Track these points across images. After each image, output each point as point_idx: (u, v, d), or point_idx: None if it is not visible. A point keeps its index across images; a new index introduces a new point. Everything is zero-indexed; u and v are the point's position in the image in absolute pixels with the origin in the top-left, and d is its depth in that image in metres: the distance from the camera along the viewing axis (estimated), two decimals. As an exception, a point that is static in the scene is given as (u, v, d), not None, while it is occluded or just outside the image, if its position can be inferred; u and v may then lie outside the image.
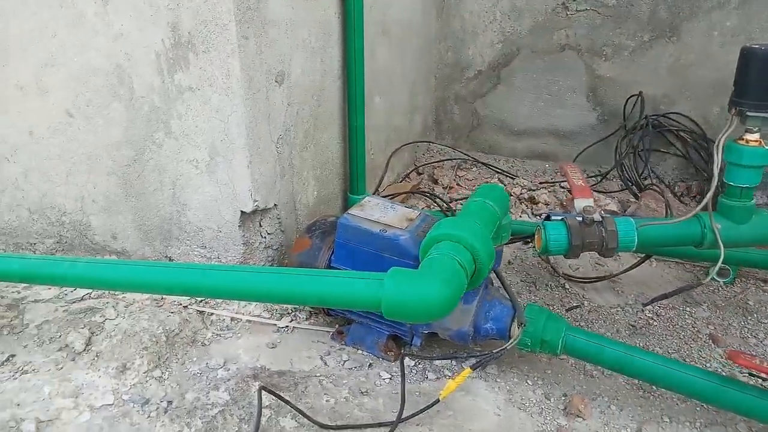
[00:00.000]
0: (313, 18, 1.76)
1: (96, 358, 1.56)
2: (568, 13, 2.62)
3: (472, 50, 2.85)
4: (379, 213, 1.58)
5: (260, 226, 1.73)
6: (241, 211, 1.68)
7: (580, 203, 1.51)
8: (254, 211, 1.68)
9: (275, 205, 1.74)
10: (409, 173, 2.75)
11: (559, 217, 1.59)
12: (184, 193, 1.72)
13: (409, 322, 1.36)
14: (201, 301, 1.79)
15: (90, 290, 1.83)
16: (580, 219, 1.50)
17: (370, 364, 1.60)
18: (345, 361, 1.61)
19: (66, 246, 2.00)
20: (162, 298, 1.79)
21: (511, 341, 1.42)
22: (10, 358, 1.58)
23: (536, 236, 1.56)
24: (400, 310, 1.07)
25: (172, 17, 1.49)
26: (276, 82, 1.64)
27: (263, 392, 1.41)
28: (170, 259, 1.86)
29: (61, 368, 1.54)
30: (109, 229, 1.90)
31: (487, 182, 2.70)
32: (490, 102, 2.92)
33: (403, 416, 1.36)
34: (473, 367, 1.39)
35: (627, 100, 2.63)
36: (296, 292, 1.13)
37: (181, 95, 1.58)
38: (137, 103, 1.65)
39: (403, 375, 1.44)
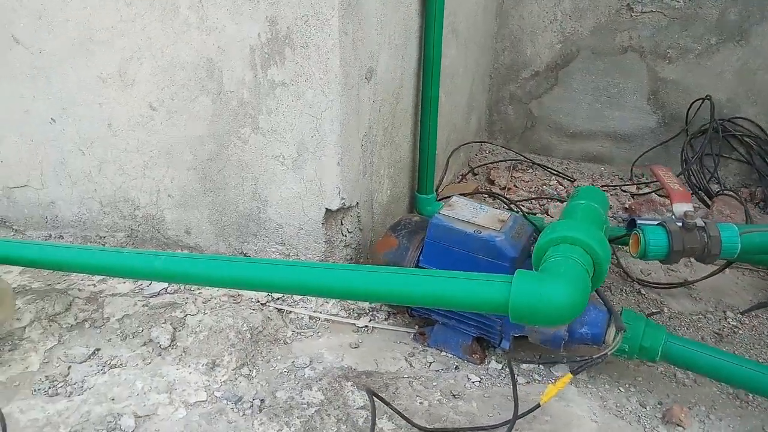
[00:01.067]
0: (397, 14, 1.74)
1: (183, 354, 1.54)
2: (633, 14, 2.58)
3: (529, 50, 2.82)
4: (470, 213, 1.56)
5: (341, 224, 1.72)
6: (326, 209, 1.66)
7: (679, 208, 1.48)
8: (338, 209, 1.67)
9: (357, 203, 1.72)
10: (466, 174, 2.72)
11: (652, 222, 1.56)
12: (267, 189, 1.71)
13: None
14: (278, 298, 1.77)
15: (166, 284, 1.82)
16: (680, 224, 1.47)
17: (457, 367, 1.57)
18: (430, 363, 1.59)
19: (137, 240, 1.99)
20: (239, 295, 1.77)
21: (611, 347, 1.39)
22: (96, 352, 1.57)
23: (632, 240, 1.53)
24: (528, 314, 1.05)
25: (271, 11, 1.47)
26: (366, 78, 1.62)
27: (355, 392, 1.40)
28: (245, 255, 1.85)
29: (149, 363, 1.53)
30: (183, 224, 1.89)
31: (544, 184, 2.68)
32: (545, 103, 2.89)
33: (506, 420, 1.34)
34: (574, 373, 1.37)
35: (691, 104, 2.59)
36: (418, 292, 1.11)
37: (273, 90, 1.57)
38: (225, 98, 1.63)
39: (513, 381, 1.41)
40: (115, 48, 1.70)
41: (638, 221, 1.63)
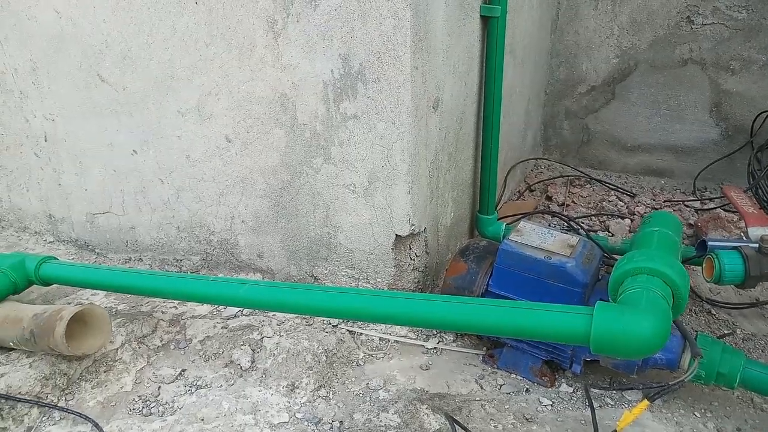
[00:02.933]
0: (461, 43, 1.79)
1: (264, 376, 1.62)
2: (693, 27, 2.55)
3: (585, 65, 2.82)
4: (539, 239, 1.58)
5: (410, 248, 1.77)
6: (396, 235, 1.71)
7: (755, 232, 1.47)
8: (408, 235, 1.72)
9: (424, 228, 1.77)
10: (523, 191, 2.74)
11: (725, 243, 1.55)
12: (338, 216, 1.77)
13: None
14: (349, 321, 1.83)
15: (243, 308, 1.91)
16: (756, 248, 1.46)
17: (527, 389, 1.60)
18: (501, 386, 1.61)
19: (211, 263, 2.09)
20: (311, 317, 1.84)
21: (688, 374, 1.38)
22: (182, 373, 1.67)
23: (706, 264, 1.52)
24: (611, 346, 1.07)
25: (344, 49, 1.54)
26: (433, 108, 1.67)
27: (430, 415, 1.44)
28: (316, 279, 1.92)
29: (233, 384, 1.61)
30: (256, 249, 1.98)
31: (603, 200, 2.66)
32: (602, 117, 2.87)
33: (583, 447, 1.35)
34: (651, 399, 1.37)
35: (757, 116, 2.53)
36: (500, 323, 1.15)
37: (345, 123, 1.63)
38: (298, 130, 1.71)
39: (592, 407, 1.42)
40: (194, 85, 1.81)
41: (710, 243, 1.62)
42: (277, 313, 1.87)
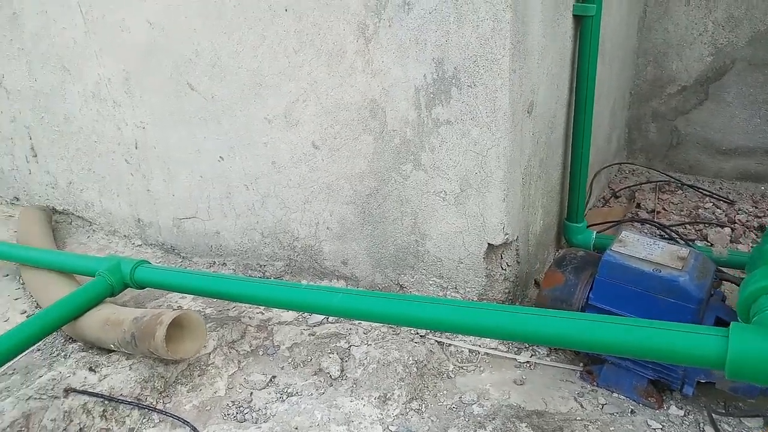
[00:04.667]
0: (555, 44, 1.71)
1: (355, 386, 1.60)
2: (799, 20, 2.37)
3: (675, 64, 2.67)
4: (645, 250, 1.49)
5: (501, 258, 1.71)
6: (489, 244, 1.66)
7: None
8: (500, 244, 1.66)
9: (517, 236, 1.71)
10: (609, 198, 2.62)
11: None
12: (426, 223, 1.74)
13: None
14: (434, 331, 1.79)
15: (322, 315, 1.90)
16: None
17: (632, 410, 1.50)
18: (603, 405, 1.53)
19: (294, 269, 2.10)
20: (398, 327, 1.81)
21: (821, 400, 1.27)
22: (273, 380, 1.67)
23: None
24: (752, 372, 0.98)
25: (438, 54, 1.50)
26: (527, 112, 1.60)
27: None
28: (402, 287, 1.89)
29: (323, 393, 1.60)
30: (340, 255, 1.96)
31: (698, 207, 2.50)
32: (694, 119, 2.71)
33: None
34: (778, 427, 1.26)
35: None
36: (618, 342, 1.08)
37: (437, 129, 1.59)
38: (388, 136, 1.69)
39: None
40: (282, 92, 1.82)
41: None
42: (363, 322, 1.85)
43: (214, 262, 2.31)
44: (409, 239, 1.79)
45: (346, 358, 1.70)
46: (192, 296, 2.07)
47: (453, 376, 1.66)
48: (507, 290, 1.75)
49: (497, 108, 1.48)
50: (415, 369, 1.63)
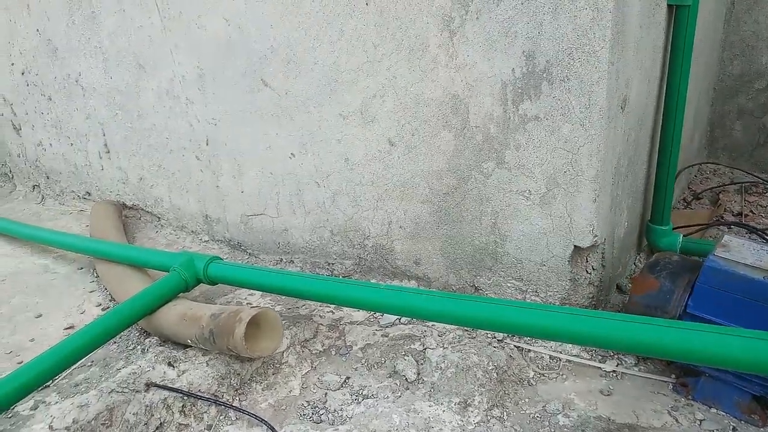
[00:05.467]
0: (650, 35, 1.62)
1: (433, 390, 1.55)
2: None
3: (765, 58, 2.50)
4: (753, 256, 1.38)
5: (587, 261, 1.62)
6: (575, 246, 1.58)
7: None
8: (588, 247, 1.57)
9: (604, 239, 1.62)
10: (690, 200, 2.48)
11: None
12: (507, 224, 1.67)
13: None
14: (514, 335, 1.72)
15: (399, 316, 1.86)
16: None
17: (734, 428, 1.40)
18: (701, 421, 1.43)
19: (364, 268, 2.06)
20: (473, 329, 1.75)
21: None
22: (347, 381, 1.64)
23: None
24: None
25: (529, 46, 1.43)
26: (621, 108, 1.52)
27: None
28: (477, 289, 1.83)
29: (400, 397, 1.55)
30: (413, 255, 1.92)
31: (789, 210, 2.34)
32: (784, 117, 2.54)
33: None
34: None
35: None
36: (723, 352, 0.99)
37: (524, 125, 1.52)
38: (469, 133, 1.63)
39: None
40: (359, 87, 1.78)
41: None
42: (436, 324, 1.80)
43: (281, 260, 2.30)
44: (487, 240, 1.73)
45: (422, 361, 1.65)
46: (260, 293, 2.06)
47: (534, 383, 1.58)
48: (591, 295, 1.66)
49: (592, 103, 1.40)
50: (495, 375, 1.56)
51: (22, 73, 3.00)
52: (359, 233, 2.01)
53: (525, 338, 1.71)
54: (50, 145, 3.12)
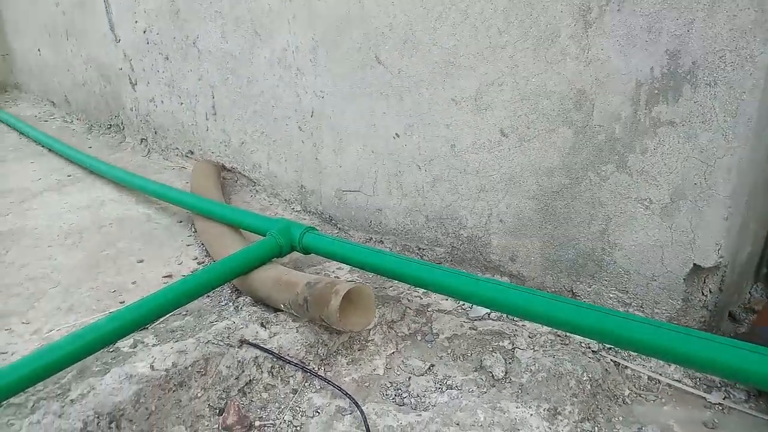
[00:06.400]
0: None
1: (520, 392, 1.50)
2: None
3: None
4: None
5: (704, 282, 1.51)
6: (695, 264, 1.47)
7: None
8: (710, 267, 1.46)
9: (728, 261, 1.50)
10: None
11: None
12: (619, 231, 1.58)
13: None
14: (611, 348, 1.64)
15: (489, 309, 1.82)
16: None
17: None
18: (817, 472, 1.30)
19: (456, 258, 2.03)
20: (566, 336, 1.68)
21: None
22: (431, 368, 1.62)
23: None
24: None
25: (674, 45, 1.34)
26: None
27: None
28: (574, 295, 1.75)
29: (485, 393, 1.52)
30: (509, 251, 1.86)
31: None
32: None
33: None
34: None
35: None
36: None
37: (655, 129, 1.43)
38: (590, 132, 1.55)
39: None
40: (476, 73, 1.73)
41: None
42: (527, 324, 1.75)
43: (371, 239, 2.31)
44: (593, 245, 1.65)
45: (510, 360, 1.60)
46: (348, 268, 2.08)
47: (629, 402, 1.50)
48: (703, 319, 1.55)
49: (740, 112, 1.29)
50: (589, 386, 1.49)
51: (144, 32, 3.16)
52: (455, 222, 1.97)
53: (622, 353, 1.63)
54: (161, 102, 3.27)
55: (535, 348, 1.63)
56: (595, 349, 1.63)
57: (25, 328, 1.82)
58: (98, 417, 1.31)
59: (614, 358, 1.61)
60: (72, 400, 1.38)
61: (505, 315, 1.79)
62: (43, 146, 3.73)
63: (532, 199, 1.74)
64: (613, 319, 1.23)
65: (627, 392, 1.53)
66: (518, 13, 1.58)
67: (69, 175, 3.23)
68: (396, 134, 2.04)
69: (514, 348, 1.65)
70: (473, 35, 1.70)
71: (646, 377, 1.56)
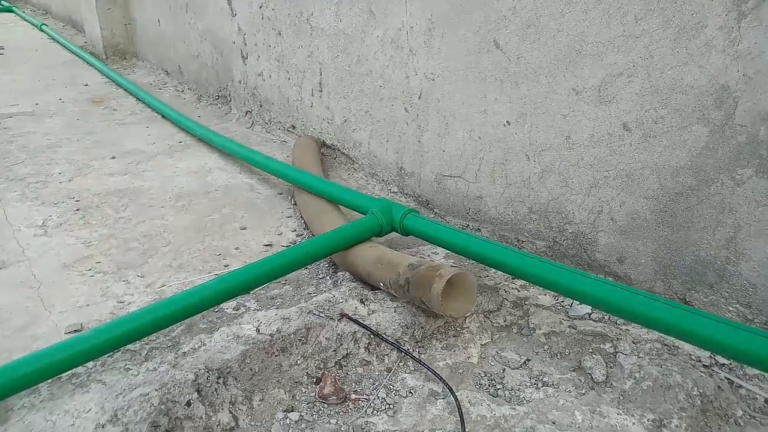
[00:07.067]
0: None
1: (622, 398, 1.44)
2: None
3: None
4: None
5: None
6: (838, 285, 1.34)
7: None
8: None
9: None
10: None
11: None
12: (749, 241, 1.46)
13: None
14: (724, 365, 1.53)
15: (590, 309, 1.75)
16: None
17: None
18: None
19: (557, 253, 1.96)
20: (675, 346, 1.59)
21: None
22: (527, 363, 1.58)
23: None
24: None
25: None
26: None
27: None
28: (686, 303, 1.65)
29: (584, 394, 1.46)
30: (617, 251, 1.78)
31: None
32: None
33: None
34: None
35: None
36: None
37: (808, 133, 1.30)
38: (730, 132, 1.43)
39: None
40: (603, 62, 1.65)
41: None
42: (631, 329, 1.66)
43: (467, 226, 2.28)
44: (716, 254, 1.54)
45: (612, 365, 1.54)
46: (444, 253, 2.06)
47: (742, 424, 1.40)
48: (839, 346, 1.41)
49: None
50: (699, 402, 1.40)
51: (260, 7, 3.26)
52: (561, 216, 1.91)
53: (736, 371, 1.51)
54: (269, 76, 3.38)
55: (640, 355, 1.55)
56: (706, 364, 1.53)
57: (140, 281, 1.95)
58: (208, 371, 1.39)
59: (728, 375, 1.50)
60: (184, 353, 1.46)
61: (606, 317, 1.72)
62: (157, 112, 3.96)
63: (650, 199, 1.64)
64: (731, 330, 1.15)
65: (740, 413, 1.42)
66: (660, 0, 1.48)
67: (180, 141, 3.42)
68: (507, 122, 1.99)
69: (616, 352, 1.57)
70: (605, 22, 1.62)
71: (763, 399, 1.45)
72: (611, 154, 1.70)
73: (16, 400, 1.36)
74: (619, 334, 1.64)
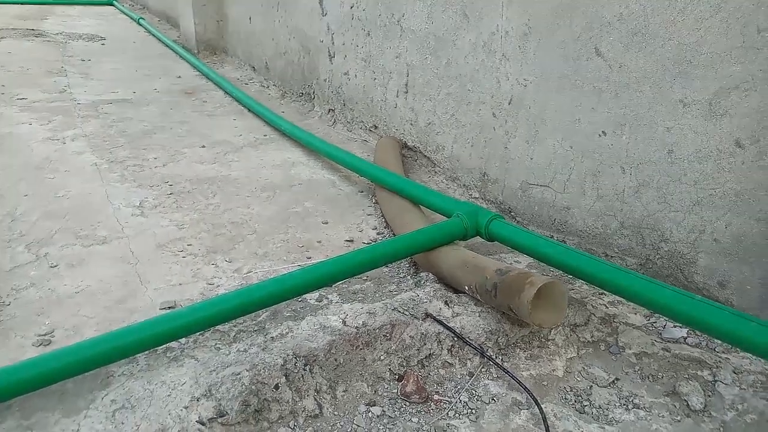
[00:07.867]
0: None
1: (722, 430, 1.36)
2: None
3: None
4: None
5: None
6: None
7: None
8: None
9: None
10: None
11: None
12: None
13: None
14: (837, 406, 1.42)
15: (685, 333, 1.66)
16: None
17: None
18: None
19: (649, 272, 1.88)
20: (780, 381, 1.48)
21: None
22: (615, 382, 1.53)
23: None
24: None
25: None
26: None
27: None
28: (796, 337, 1.53)
29: (680, 422, 1.39)
30: (719, 274, 1.68)
31: None
32: None
33: None
34: None
35: None
36: None
37: None
38: None
39: None
40: (717, 74, 1.57)
41: None
42: (731, 358, 1.57)
43: (552, 237, 2.22)
44: (836, 285, 1.42)
45: (711, 393, 1.45)
46: (527, 262, 2.02)
47: None
48: None
49: None
50: (810, 444, 1.31)
51: (351, 7, 3.32)
52: (656, 233, 1.82)
53: None
54: (355, 76, 3.43)
55: (743, 387, 1.46)
56: (818, 404, 1.42)
57: (228, 266, 2.02)
58: (296, 357, 1.41)
59: (843, 419, 1.38)
60: (273, 338, 1.50)
61: (704, 342, 1.63)
62: (243, 106, 4.10)
63: (763, 222, 1.54)
64: None
65: None
66: (787, 10, 1.40)
67: (265, 135, 3.52)
68: (603, 132, 1.93)
69: (715, 380, 1.49)
70: (723, 32, 1.54)
71: None
72: (719, 171, 1.62)
73: (116, 368, 1.44)
74: (719, 361, 1.55)
